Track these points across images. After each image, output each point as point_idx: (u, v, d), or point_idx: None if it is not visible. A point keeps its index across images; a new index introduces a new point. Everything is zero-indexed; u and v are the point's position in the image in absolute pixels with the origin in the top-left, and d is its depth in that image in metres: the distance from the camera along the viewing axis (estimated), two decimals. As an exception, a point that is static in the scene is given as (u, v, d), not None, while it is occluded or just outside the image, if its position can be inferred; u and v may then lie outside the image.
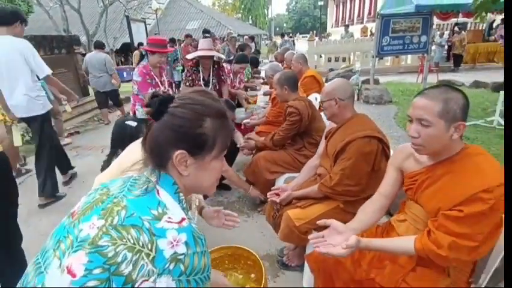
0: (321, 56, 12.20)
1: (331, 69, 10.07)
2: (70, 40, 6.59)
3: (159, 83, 3.01)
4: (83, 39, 9.25)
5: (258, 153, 2.58)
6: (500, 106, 4.51)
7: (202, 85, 3.33)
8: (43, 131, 2.90)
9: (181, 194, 0.75)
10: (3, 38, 2.60)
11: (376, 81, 7.99)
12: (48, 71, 2.78)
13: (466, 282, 1.28)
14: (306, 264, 1.35)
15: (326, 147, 1.86)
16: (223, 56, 3.72)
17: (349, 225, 1.35)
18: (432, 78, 8.98)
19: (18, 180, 2.89)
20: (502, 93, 4.49)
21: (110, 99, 5.92)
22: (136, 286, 0.61)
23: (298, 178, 2.03)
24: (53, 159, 3.06)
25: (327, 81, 8.13)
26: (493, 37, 11.07)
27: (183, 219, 0.68)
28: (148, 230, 0.64)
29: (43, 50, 5.67)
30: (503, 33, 4.13)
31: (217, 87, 3.48)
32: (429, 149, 1.18)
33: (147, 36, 10.60)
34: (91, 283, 0.60)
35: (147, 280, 0.62)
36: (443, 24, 13.47)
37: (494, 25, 11.71)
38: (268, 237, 2.34)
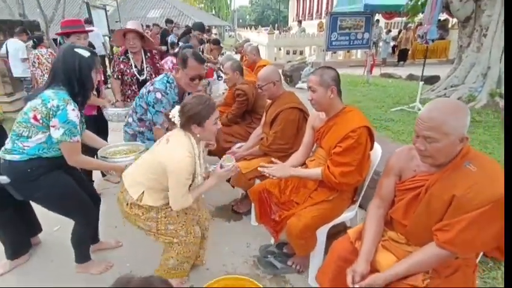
0: (280, 49, 12.94)
1: (289, 61, 10.85)
2: (29, 26, 6.58)
3: None
4: (42, 24, 8.91)
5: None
6: (419, 94, 5.49)
7: (136, 73, 2.95)
8: None
9: None
10: None
11: (327, 73, 8.82)
12: None
13: (350, 198, 1.98)
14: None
15: (266, 117, 2.48)
16: (152, 40, 3.24)
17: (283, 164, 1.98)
18: (376, 72, 10.12)
19: None
20: (421, 83, 5.49)
21: None
22: None
23: (247, 143, 2.63)
24: None
25: (283, 71, 8.89)
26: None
27: None
28: None
29: (3, 35, 5.70)
30: (420, 33, 5.02)
31: (153, 75, 2.97)
32: (320, 106, 1.83)
33: (108, 24, 10.37)
34: None
35: None
36: (391, 23, 14.83)
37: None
38: (225, 192, 2.94)
